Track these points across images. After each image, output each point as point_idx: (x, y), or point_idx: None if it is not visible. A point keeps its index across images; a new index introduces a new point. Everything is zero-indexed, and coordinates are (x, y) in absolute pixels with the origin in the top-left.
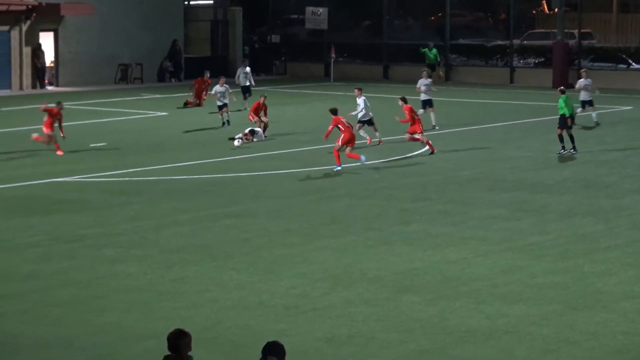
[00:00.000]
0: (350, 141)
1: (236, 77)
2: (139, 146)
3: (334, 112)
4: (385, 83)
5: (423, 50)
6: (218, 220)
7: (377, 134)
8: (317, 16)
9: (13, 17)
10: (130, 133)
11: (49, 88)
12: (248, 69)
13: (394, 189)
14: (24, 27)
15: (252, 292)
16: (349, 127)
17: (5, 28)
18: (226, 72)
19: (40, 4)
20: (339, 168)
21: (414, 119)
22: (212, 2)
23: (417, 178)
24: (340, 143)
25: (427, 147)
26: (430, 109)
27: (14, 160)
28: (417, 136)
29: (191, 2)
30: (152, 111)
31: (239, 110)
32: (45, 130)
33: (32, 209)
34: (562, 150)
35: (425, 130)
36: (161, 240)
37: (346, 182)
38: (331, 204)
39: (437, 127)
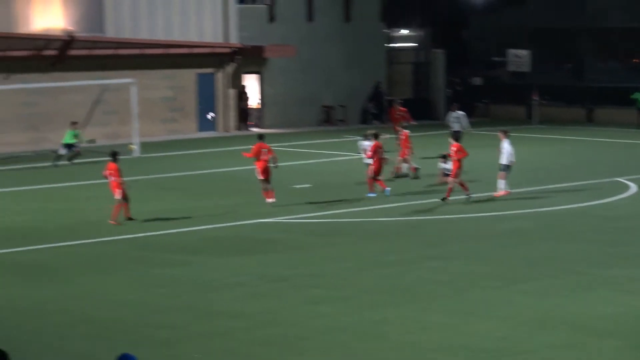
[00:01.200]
0: (379, 170)
1: (446, 119)
2: (343, 187)
3: (375, 136)
4: (589, 126)
5: (633, 96)
6: (420, 262)
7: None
8: (519, 59)
9: (218, 60)
10: (334, 174)
11: (253, 130)
12: (460, 112)
13: (595, 232)
14: (229, 70)
15: (453, 334)
16: (383, 158)
17: (211, 70)
18: (428, 114)
19: (244, 46)
20: (387, 191)
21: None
22: (414, 45)
23: (621, 222)
24: (372, 173)
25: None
26: None
27: (222, 201)
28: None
29: (394, 45)
30: (355, 153)
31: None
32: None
33: (240, 249)
34: None
35: None
36: (364, 282)
37: (545, 225)
38: (531, 246)
39: None
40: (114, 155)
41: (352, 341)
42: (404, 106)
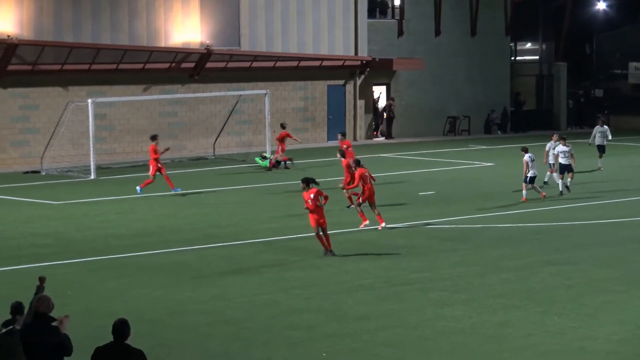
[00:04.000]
0: (370, 197)
1: (591, 137)
2: (466, 195)
3: (357, 163)
4: None
5: None
6: (542, 267)
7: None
8: None
9: (348, 72)
10: (458, 182)
11: (379, 139)
12: (605, 127)
13: None
14: (358, 81)
15: (573, 337)
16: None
17: (341, 82)
18: (550, 125)
19: (374, 59)
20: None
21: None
22: (537, 57)
23: None
24: (361, 200)
25: None
26: None
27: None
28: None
29: (517, 58)
30: (479, 161)
31: (594, 170)
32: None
33: (366, 253)
34: None
35: None
36: (486, 286)
37: None
38: None
39: None
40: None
41: (474, 343)
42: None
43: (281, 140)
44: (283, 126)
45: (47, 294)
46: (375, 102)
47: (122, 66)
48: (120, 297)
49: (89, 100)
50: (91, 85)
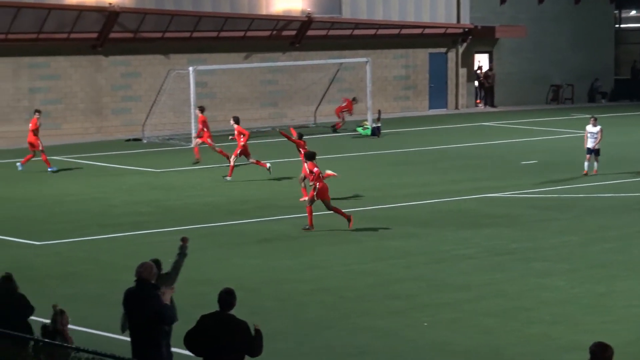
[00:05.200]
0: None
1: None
2: (568, 164)
3: (309, 157)
4: None
5: None
6: None
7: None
8: None
9: (450, 40)
10: (560, 151)
11: (481, 107)
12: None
13: None
14: (460, 49)
15: None
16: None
17: (443, 50)
18: None
19: (476, 27)
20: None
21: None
22: None
23: None
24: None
25: None
26: None
27: (448, 175)
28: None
29: (622, 26)
30: (582, 130)
31: None
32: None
33: (466, 222)
34: None
35: None
36: (588, 256)
37: None
38: None
39: None
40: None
41: (577, 313)
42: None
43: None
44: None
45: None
46: (481, 73)
47: (223, 34)
48: (218, 265)
49: (190, 68)
50: (192, 53)
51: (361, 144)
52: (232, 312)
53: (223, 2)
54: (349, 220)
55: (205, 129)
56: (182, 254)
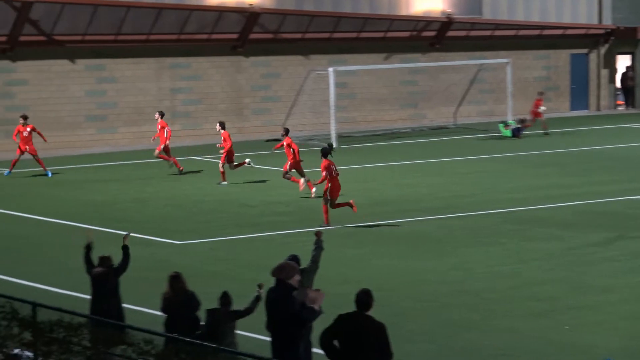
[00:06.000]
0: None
1: None
2: None
3: (324, 153)
4: None
5: None
6: None
7: None
8: None
9: (591, 41)
10: None
11: (620, 109)
12: None
13: None
14: (602, 50)
15: None
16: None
17: (584, 51)
18: None
19: (618, 27)
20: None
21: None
22: None
23: None
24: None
25: None
26: None
27: (590, 177)
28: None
29: None
30: None
31: None
32: None
33: (608, 225)
34: None
35: None
36: None
37: None
38: None
39: None
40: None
41: None
42: None
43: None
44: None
45: (287, 260)
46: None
47: (362, 35)
48: (358, 266)
49: (330, 69)
50: (332, 54)
51: (503, 146)
52: (370, 313)
53: (363, 2)
54: (351, 206)
55: (163, 135)
56: (318, 247)
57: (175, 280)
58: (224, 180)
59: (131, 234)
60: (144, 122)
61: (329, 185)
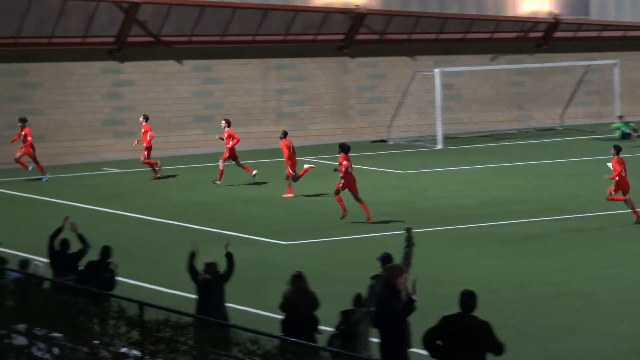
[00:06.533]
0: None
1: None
2: None
3: (344, 149)
4: None
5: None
6: None
7: None
8: None
9: None
10: None
11: None
12: None
13: None
14: None
15: None
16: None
17: None
18: None
19: None
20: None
21: None
22: None
23: None
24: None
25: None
26: None
27: None
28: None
29: None
30: None
31: None
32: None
33: None
34: None
35: None
36: None
37: None
38: None
39: None
40: None
41: None
42: None
43: None
44: None
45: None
46: None
47: (469, 35)
48: (465, 267)
49: (436, 70)
50: (438, 55)
51: (610, 148)
52: (475, 313)
53: (469, 3)
54: (368, 218)
55: (146, 138)
56: (409, 244)
57: (298, 279)
58: (220, 179)
59: (237, 234)
60: (250, 123)
61: (342, 180)
